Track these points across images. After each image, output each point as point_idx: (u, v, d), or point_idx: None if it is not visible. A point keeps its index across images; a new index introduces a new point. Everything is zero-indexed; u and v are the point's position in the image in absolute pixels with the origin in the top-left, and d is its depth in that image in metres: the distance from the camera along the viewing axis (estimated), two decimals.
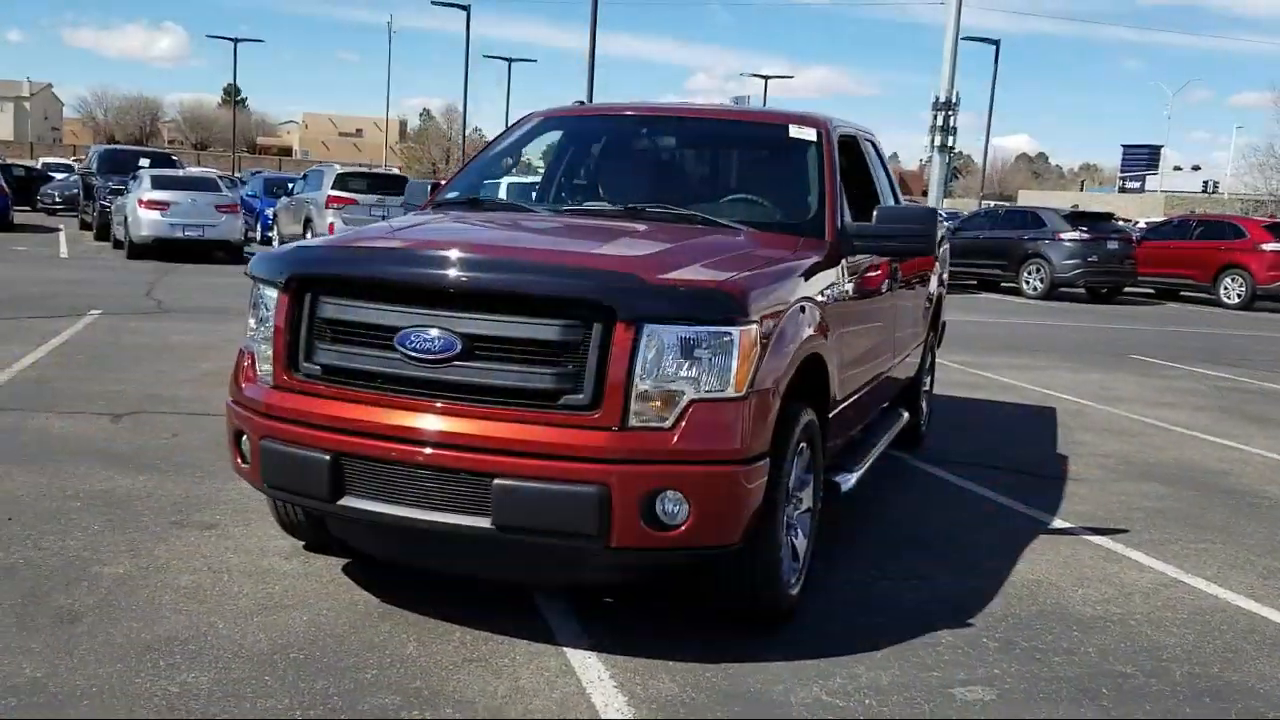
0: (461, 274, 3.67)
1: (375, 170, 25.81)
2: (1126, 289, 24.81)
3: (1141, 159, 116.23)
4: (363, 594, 4.25)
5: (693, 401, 3.58)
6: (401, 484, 3.66)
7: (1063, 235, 22.43)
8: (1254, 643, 4.31)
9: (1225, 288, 24.01)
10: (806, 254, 4.39)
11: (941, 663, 3.92)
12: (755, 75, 61.88)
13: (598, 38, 30.81)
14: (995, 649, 4.09)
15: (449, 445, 3.60)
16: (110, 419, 6.98)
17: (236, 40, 55.43)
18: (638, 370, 3.54)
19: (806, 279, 4.23)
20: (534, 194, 5.33)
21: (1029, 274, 22.63)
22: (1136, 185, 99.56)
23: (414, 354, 3.65)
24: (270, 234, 23.90)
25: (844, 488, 4.74)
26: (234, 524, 5.02)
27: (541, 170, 5.64)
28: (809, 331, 4.13)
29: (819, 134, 5.21)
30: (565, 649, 3.85)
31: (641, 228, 4.43)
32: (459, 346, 3.60)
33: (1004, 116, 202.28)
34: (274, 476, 3.89)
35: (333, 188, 20.22)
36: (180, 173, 23.21)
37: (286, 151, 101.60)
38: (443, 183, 5.49)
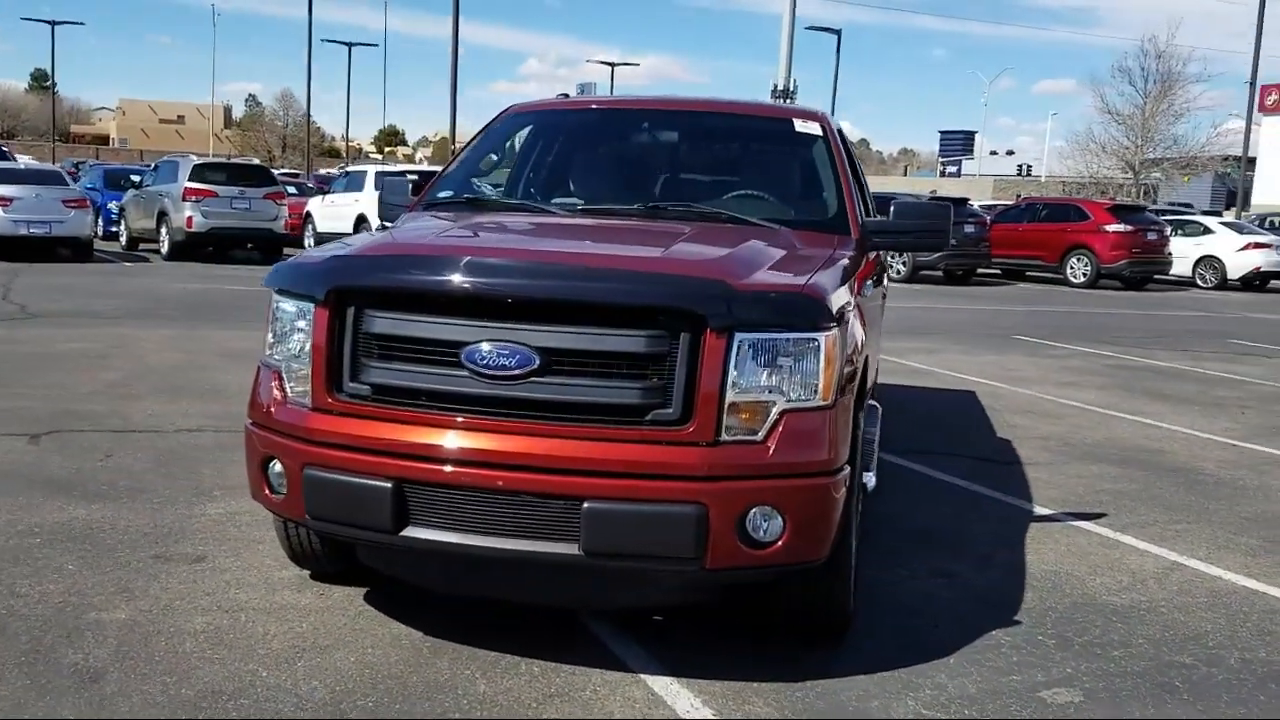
0: (542, 284, 3.42)
1: (235, 161, 24.62)
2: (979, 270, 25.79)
3: (958, 144, 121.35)
4: (399, 627, 3.95)
5: (784, 412, 3.42)
6: (476, 511, 3.39)
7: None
8: None
9: (1071, 267, 25.20)
10: (844, 252, 4.28)
11: (1013, 665, 3.89)
12: (601, 62, 61.74)
13: (431, 22, 30.09)
14: (1054, 646, 4.08)
15: (532, 468, 3.34)
16: (27, 440, 6.36)
17: (54, 23, 51.95)
18: (730, 381, 3.36)
19: (853, 278, 4.13)
20: (530, 191, 5.04)
21: (893, 259, 23.22)
22: (954, 170, 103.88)
23: (486, 371, 3.38)
24: (115, 229, 22.51)
25: (869, 487, 4.66)
26: (222, 555, 4.61)
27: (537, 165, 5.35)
28: (862, 333, 4.04)
29: (823, 128, 5.11)
30: (641, 675, 3.65)
31: (685, 229, 4.22)
32: (537, 361, 3.35)
33: (824, 104, 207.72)
34: (321, 508, 3.55)
35: (190, 179, 19.16)
36: (21, 166, 21.61)
37: (103, 140, 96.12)
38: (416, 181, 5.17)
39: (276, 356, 3.78)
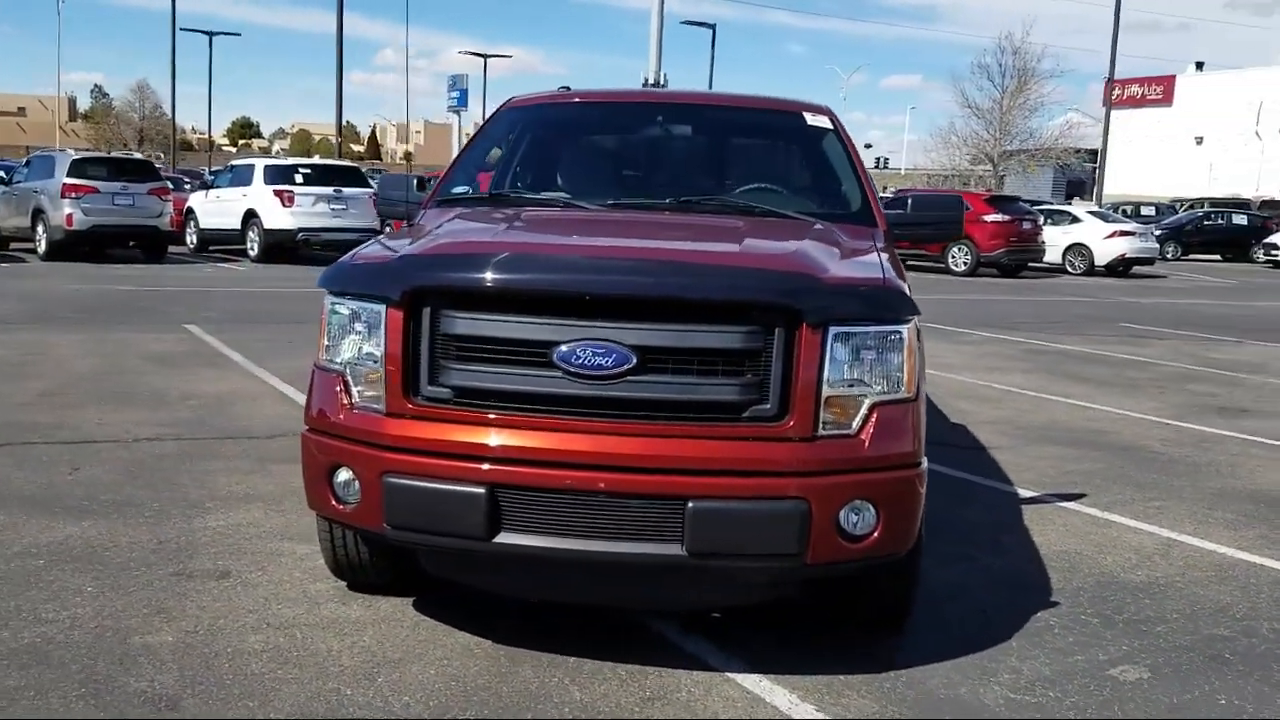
0: (640, 281, 3.35)
1: (116, 156, 23.47)
2: None
3: None
4: (464, 635, 3.83)
5: (874, 405, 3.44)
6: (574, 515, 3.30)
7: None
8: None
9: (953, 257, 26.01)
10: (884, 244, 4.32)
11: (1071, 645, 3.99)
12: (472, 53, 60.97)
13: (285, 12, 29.27)
14: (1100, 625, 4.21)
15: (634, 469, 3.28)
16: None
17: None
18: (825, 375, 3.36)
19: (902, 269, 4.18)
20: (549, 186, 4.92)
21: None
22: None
23: (580, 370, 3.29)
24: None
25: None
26: (246, 569, 4.39)
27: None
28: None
29: (832, 121, 5.15)
30: (728, 674, 3.62)
31: (739, 224, 4.20)
32: (634, 360, 3.28)
33: None
34: (404, 517, 3.41)
35: (69, 175, 18.19)
36: None
37: None
38: (430, 178, 5.02)
39: (338, 360, 3.62)
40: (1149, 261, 29.30)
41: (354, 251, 3.88)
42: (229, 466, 5.92)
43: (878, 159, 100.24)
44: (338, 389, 3.59)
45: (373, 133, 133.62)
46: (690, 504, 3.24)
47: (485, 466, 3.32)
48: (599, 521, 3.30)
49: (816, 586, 3.88)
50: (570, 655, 3.69)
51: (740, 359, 3.34)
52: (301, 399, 7.75)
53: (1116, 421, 8.46)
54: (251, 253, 20.17)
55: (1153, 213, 40.15)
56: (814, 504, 3.30)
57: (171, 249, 20.36)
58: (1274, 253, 34.85)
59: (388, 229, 6.48)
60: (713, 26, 44.62)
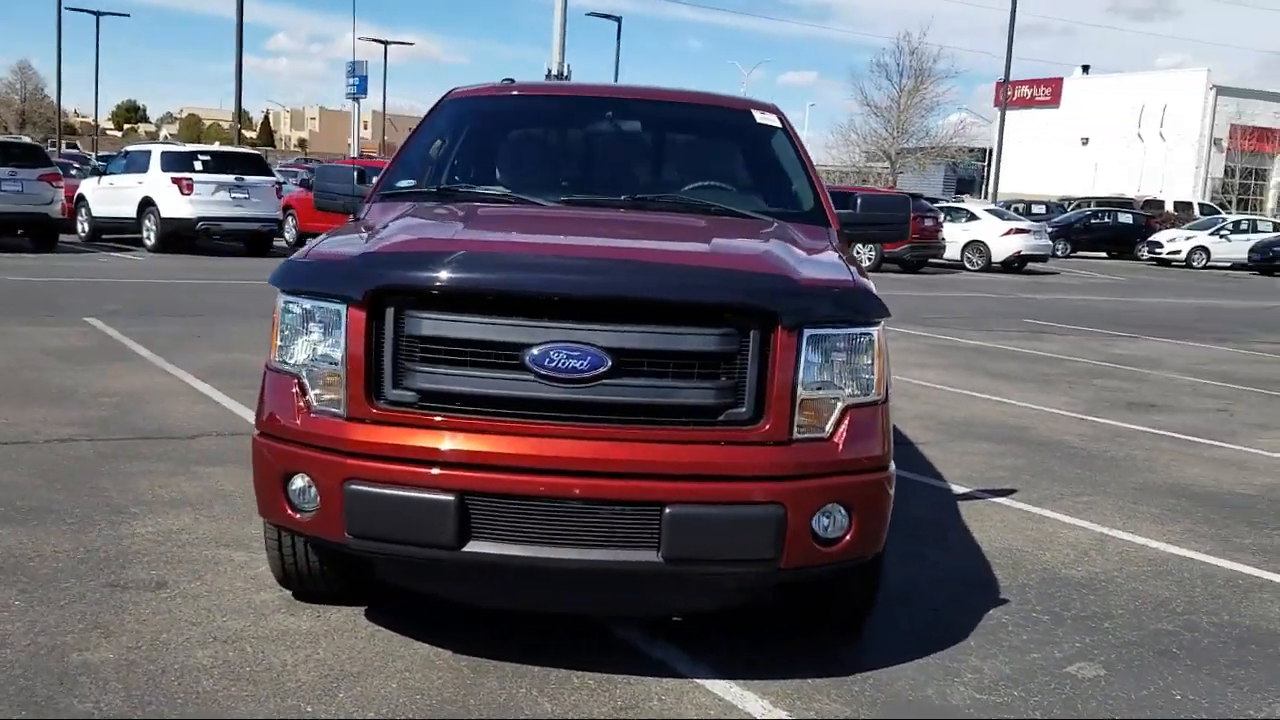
0: (616, 282, 3.28)
1: (4, 140, 22.35)
2: None
3: None
4: (422, 646, 3.71)
5: (847, 408, 3.42)
6: (547, 522, 3.22)
7: None
8: (1227, 588, 4.80)
9: (858, 251, 26.33)
10: (840, 244, 4.31)
11: (1027, 643, 4.04)
12: (374, 40, 59.89)
13: None
14: (1050, 622, 4.27)
15: (610, 474, 3.21)
16: None
17: None
18: (800, 378, 3.33)
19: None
20: (495, 181, 4.79)
21: None
22: None
23: (554, 374, 3.20)
24: None
25: None
26: (183, 580, 4.20)
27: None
28: None
29: (780, 119, 5.13)
30: (696, 680, 3.57)
31: (702, 223, 4.15)
32: (608, 363, 3.21)
33: None
34: (367, 526, 3.28)
35: None
36: None
37: None
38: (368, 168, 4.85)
39: (292, 361, 3.47)
40: (1043, 258, 30.15)
41: (307, 248, 3.71)
42: (151, 469, 5.67)
43: None
44: (293, 392, 3.44)
45: (266, 119, 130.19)
46: (667, 510, 3.18)
47: (454, 473, 3.22)
48: (573, 529, 3.22)
49: (787, 589, 3.85)
50: (535, 665, 3.60)
51: (716, 362, 3.29)
52: (219, 397, 7.57)
53: (1034, 417, 8.65)
54: (148, 242, 19.45)
55: (1043, 211, 41.30)
56: (789, 508, 3.27)
57: (61, 238, 19.53)
58: (1158, 250, 36.19)
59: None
60: (618, 19, 44.54)
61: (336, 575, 3.91)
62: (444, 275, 3.29)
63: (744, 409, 3.30)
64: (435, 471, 3.22)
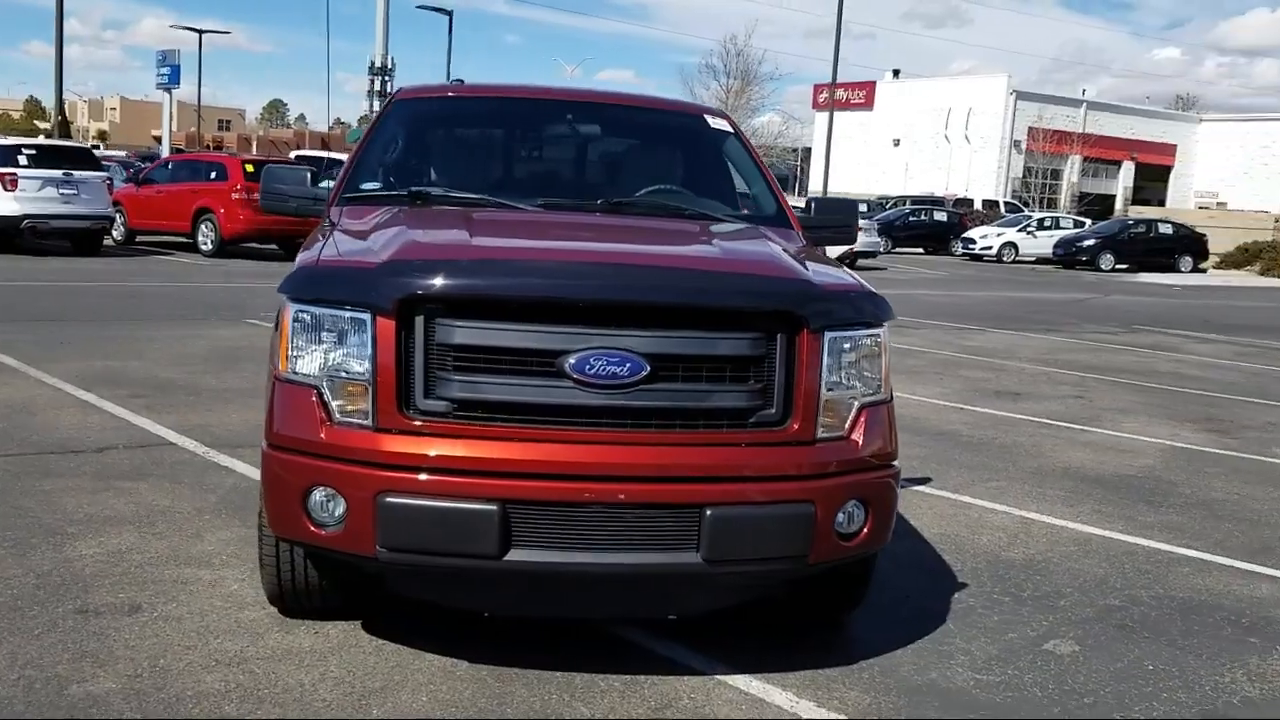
0: (655, 288, 3.32)
1: None
2: None
3: None
4: (435, 658, 3.65)
5: (861, 407, 3.55)
6: (590, 528, 3.23)
7: None
8: (1150, 564, 5.17)
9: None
10: (807, 246, 4.45)
11: (1000, 624, 4.27)
12: (187, 28, 57.16)
13: None
14: (1012, 603, 4.52)
15: (654, 479, 3.24)
16: None
17: None
18: (823, 379, 3.44)
19: None
20: (461, 185, 4.69)
21: None
22: None
23: (594, 380, 3.21)
24: None
25: None
26: (158, 601, 4.00)
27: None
28: None
29: (731, 125, 5.24)
30: (719, 677, 3.64)
31: (693, 228, 4.21)
32: (647, 368, 3.24)
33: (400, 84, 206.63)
34: (403, 538, 3.22)
35: None
36: None
37: None
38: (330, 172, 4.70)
39: (309, 372, 3.36)
40: (873, 254, 31.37)
41: (314, 255, 3.58)
42: (70, 485, 5.34)
43: None
44: (312, 403, 3.33)
45: (61, 108, 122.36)
46: (708, 511, 3.24)
47: (497, 482, 3.19)
48: (616, 534, 3.24)
49: (796, 582, 3.96)
50: (553, 670, 3.60)
51: (747, 365, 3.37)
52: (107, 406, 7.18)
53: (918, 407, 9.04)
54: None
55: (864, 209, 42.94)
56: (818, 506, 3.38)
57: None
58: (971, 246, 38.14)
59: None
60: (449, 13, 43.92)
61: (334, 591, 3.80)
62: (480, 283, 3.26)
63: (773, 410, 3.39)
64: (477, 481, 3.18)
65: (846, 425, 3.51)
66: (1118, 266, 35.64)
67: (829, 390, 3.46)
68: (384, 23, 48.11)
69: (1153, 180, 65.51)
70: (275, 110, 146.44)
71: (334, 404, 3.31)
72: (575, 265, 3.43)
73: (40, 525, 4.73)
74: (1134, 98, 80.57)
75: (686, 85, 49.33)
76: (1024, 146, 58.45)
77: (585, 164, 5.18)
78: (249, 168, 19.90)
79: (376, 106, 48.51)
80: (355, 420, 3.28)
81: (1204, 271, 36.85)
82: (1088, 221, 41.50)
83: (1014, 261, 37.45)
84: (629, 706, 3.41)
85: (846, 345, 3.51)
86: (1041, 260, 37.43)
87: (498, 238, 3.84)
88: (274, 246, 21.11)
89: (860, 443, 3.52)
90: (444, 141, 5.09)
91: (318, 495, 3.29)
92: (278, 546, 3.66)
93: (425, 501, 3.19)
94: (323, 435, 3.29)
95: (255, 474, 5.64)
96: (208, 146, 56.73)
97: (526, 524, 3.20)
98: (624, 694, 3.48)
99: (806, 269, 3.69)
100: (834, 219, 5.00)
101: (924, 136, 63.08)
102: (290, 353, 3.39)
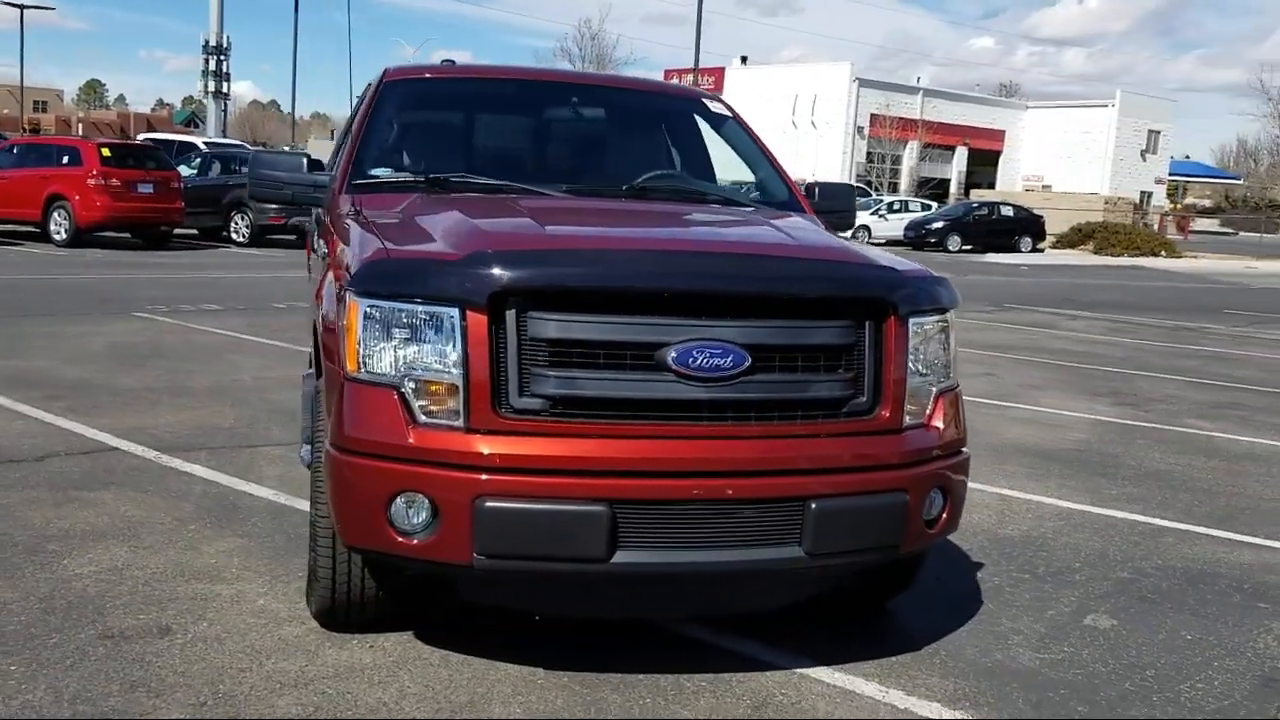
0: (756, 276, 3.24)
1: None
2: None
3: None
4: (508, 666, 3.48)
5: (938, 394, 3.55)
6: (697, 525, 3.13)
7: None
8: (1137, 535, 5.36)
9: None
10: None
11: (1034, 602, 4.34)
12: (7, 3, 53.51)
13: None
14: (1032, 581, 4.61)
15: (761, 472, 3.16)
16: None
17: None
18: (909, 367, 3.42)
19: None
20: (478, 169, 4.47)
21: None
22: None
23: (697, 373, 3.11)
24: None
25: None
26: (187, 621, 3.71)
27: None
28: None
29: (729, 108, 5.17)
30: (800, 671, 3.58)
31: (738, 214, 4.16)
32: (749, 360, 3.15)
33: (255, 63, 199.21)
34: (504, 543, 3.05)
35: None
36: None
37: None
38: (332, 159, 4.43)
39: (385, 371, 3.14)
40: None
41: (378, 247, 3.34)
42: (28, 498, 4.91)
43: None
44: (392, 404, 3.12)
45: None
46: (812, 504, 3.18)
47: (605, 481, 3.05)
48: (721, 530, 3.15)
49: (866, 570, 3.93)
50: (634, 672, 3.49)
51: (839, 354, 3.32)
52: (26, 409, 6.65)
53: None
54: None
55: None
56: (911, 495, 3.36)
57: None
58: None
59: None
60: None
61: (389, 602, 3.59)
62: (580, 274, 3.12)
63: (864, 399, 3.35)
64: (583, 481, 3.04)
65: (927, 412, 3.50)
66: (964, 248, 37.05)
67: (912, 377, 3.44)
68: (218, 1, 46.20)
69: (984, 164, 68.35)
70: (93, 91, 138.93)
71: (418, 405, 3.11)
72: (675, 255, 3.32)
73: (15, 543, 4.34)
74: (957, 85, 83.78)
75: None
76: (866, 132, 60.16)
77: (595, 148, 5.04)
78: (105, 152, 18.79)
79: (213, 86, 46.65)
80: (444, 421, 3.09)
81: (1042, 251, 38.66)
82: (934, 205, 43.04)
83: (867, 243, 38.46)
84: (725, 706, 3.32)
85: (926, 332, 3.50)
86: (892, 242, 38.56)
87: (570, 227, 3.68)
88: (128, 235, 20.05)
89: (940, 429, 3.51)
90: (450, 125, 4.88)
91: (404, 502, 3.09)
92: (334, 558, 3.44)
93: (529, 505, 3.03)
94: (410, 438, 3.08)
95: (220, 479, 5.36)
96: (24, 130, 53.25)
97: (633, 524, 3.08)
98: (716, 694, 3.39)
99: (878, 256, 3.66)
100: (836, 204, 4.98)
101: (772, 122, 64.12)
102: (362, 351, 3.17)
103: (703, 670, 3.54)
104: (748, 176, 5.06)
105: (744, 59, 68.77)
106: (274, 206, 20.92)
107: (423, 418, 3.10)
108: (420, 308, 3.10)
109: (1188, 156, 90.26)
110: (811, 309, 3.28)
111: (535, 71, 5.22)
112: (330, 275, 3.67)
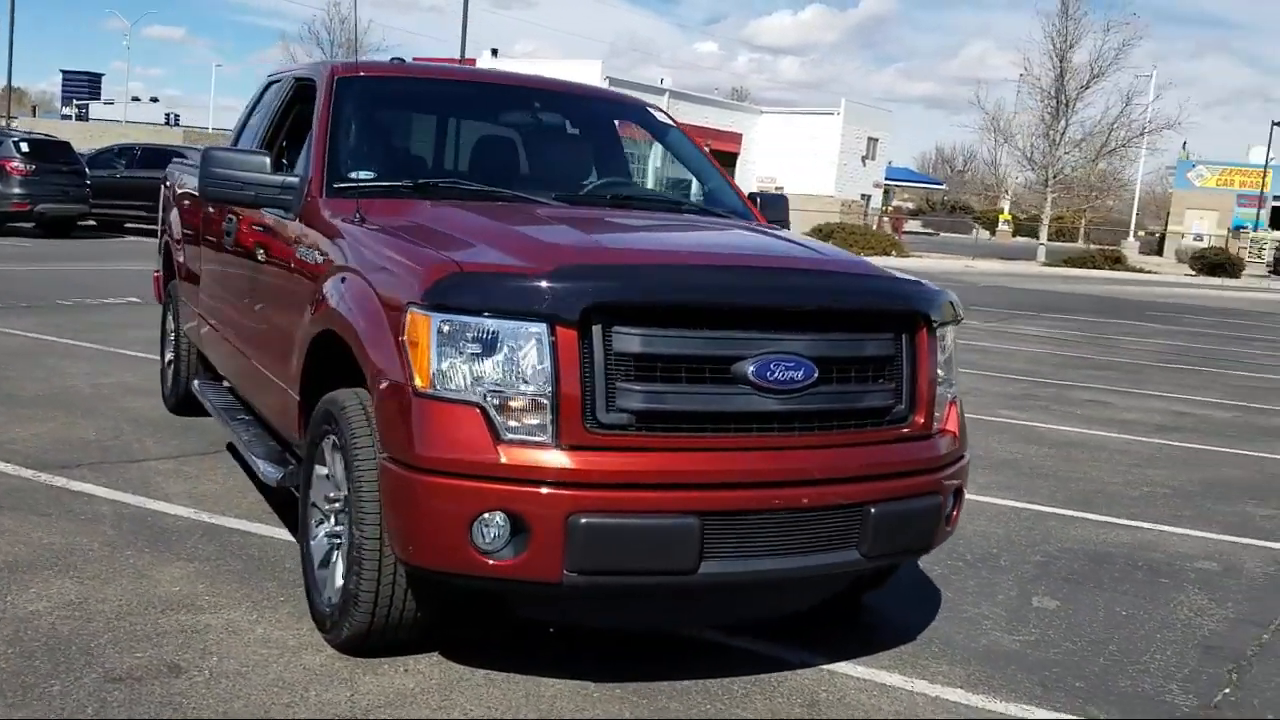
0: (821, 291, 3.39)
1: None
2: None
3: (83, 86, 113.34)
4: (556, 681, 3.44)
5: (950, 401, 3.79)
6: (773, 533, 3.22)
7: None
8: (1025, 520, 5.83)
9: None
10: None
11: (981, 588, 4.66)
12: None
13: None
14: (968, 568, 4.94)
15: (829, 480, 3.29)
16: None
17: None
18: (935, 375, 3.63)
19: None
20: (457, 175, 4.34)
21: None
22: (81, 113, 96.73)
23: (772, 385, 3.20)
24: None
25: None
26: (191, 657, 3.44)
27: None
28: None
29: (668, 115, 5.24)
30: (827, 668, 3.71)
31: (740, 226, 4.23)
32: (817, 372, 3.27)
33: None
34: (596, 559, 3.02)
35: None
36: None
37: None
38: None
39: (464, 388, 3.05)
40: None
41: (440, 259, 3.20)
42: None
43: (169, 115, 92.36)
44: (473, 421, 3.03)
45: None
46: (871, 509, 3.34)
47: (694, 494, 3.09)
48: (793, 538, 3.25)
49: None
50: (679, 679, 3.53)
51: (884, 364, 3.49)
52: None
53: None
54: None
55: None
56: (944, 496, 3.58)
57: None
58: None
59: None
60: None
61: (426, 622, 3.48)
62: (669, 290, 3.15)
63: (902, 407, 3.53)
64: (675, 494, 3.07)
65: (945, 418, 3.72)
66: None
67: (937, 385, 3.65)
68: None
69: (723, 165, 70.95)
70: None
71: (503, 421, 3.03)
72: (752, 271, 3.40)
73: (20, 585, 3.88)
74: (689, 88, 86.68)
75: (289, 51, 46.94)
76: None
77: (563, 155, 5.00)
78: None
79: None
80: (532, 438, 3.03)
81: None
82: None
83: None
84: (780, 707, 3.42)
85: (945, 341, 3.72)
86: None
87: (620, 241, 3.69)
88: None
89: (955, 433, 3.74)
90: (416, 128, 4.70)
91: (488, 520, 3.01)
92: (379, 580, 3.29)
93: (624, 520, 3.03)
94: (498, 456, 3.00)
95: (124, 498, 4.97)
96: None
97: (719, 535, 3.13)
98: (765, 695, 3.49)
99: (897, 272, 3.86)
100: (778, 214, 5.15)
101: None
102: (436, 367, 3.06)
103: (737, 673, 3.62)
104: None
105: (494, 51, 68.33)
106: (18, 192, 19.28)
107: (508, 435, 3.03)
108: (505, 323, 3.03)
109: (890, 162, 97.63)
110: (864, 322, 3.44)
111: (488, 74, 5.14)
112: (350, 284, 3.50)
